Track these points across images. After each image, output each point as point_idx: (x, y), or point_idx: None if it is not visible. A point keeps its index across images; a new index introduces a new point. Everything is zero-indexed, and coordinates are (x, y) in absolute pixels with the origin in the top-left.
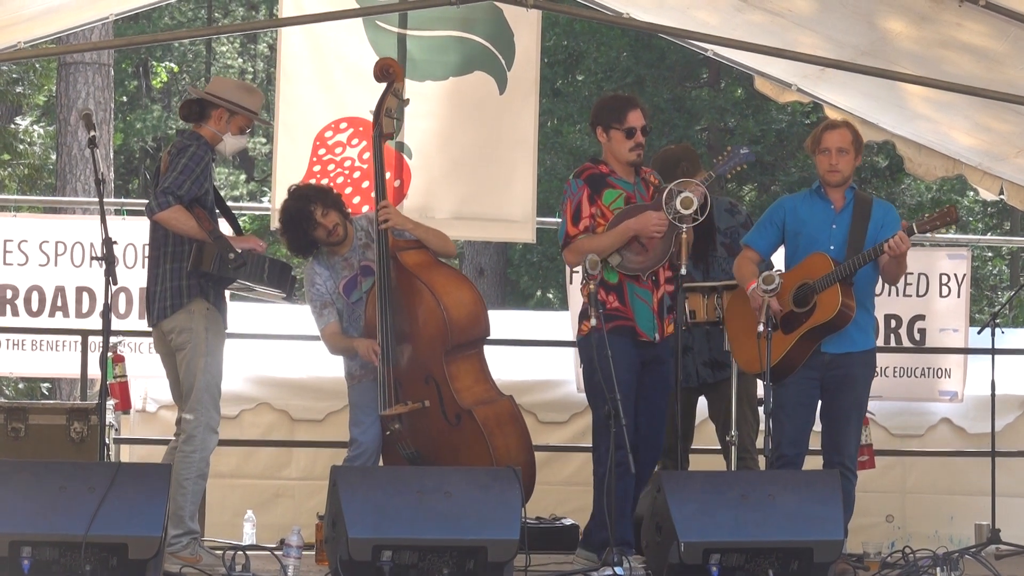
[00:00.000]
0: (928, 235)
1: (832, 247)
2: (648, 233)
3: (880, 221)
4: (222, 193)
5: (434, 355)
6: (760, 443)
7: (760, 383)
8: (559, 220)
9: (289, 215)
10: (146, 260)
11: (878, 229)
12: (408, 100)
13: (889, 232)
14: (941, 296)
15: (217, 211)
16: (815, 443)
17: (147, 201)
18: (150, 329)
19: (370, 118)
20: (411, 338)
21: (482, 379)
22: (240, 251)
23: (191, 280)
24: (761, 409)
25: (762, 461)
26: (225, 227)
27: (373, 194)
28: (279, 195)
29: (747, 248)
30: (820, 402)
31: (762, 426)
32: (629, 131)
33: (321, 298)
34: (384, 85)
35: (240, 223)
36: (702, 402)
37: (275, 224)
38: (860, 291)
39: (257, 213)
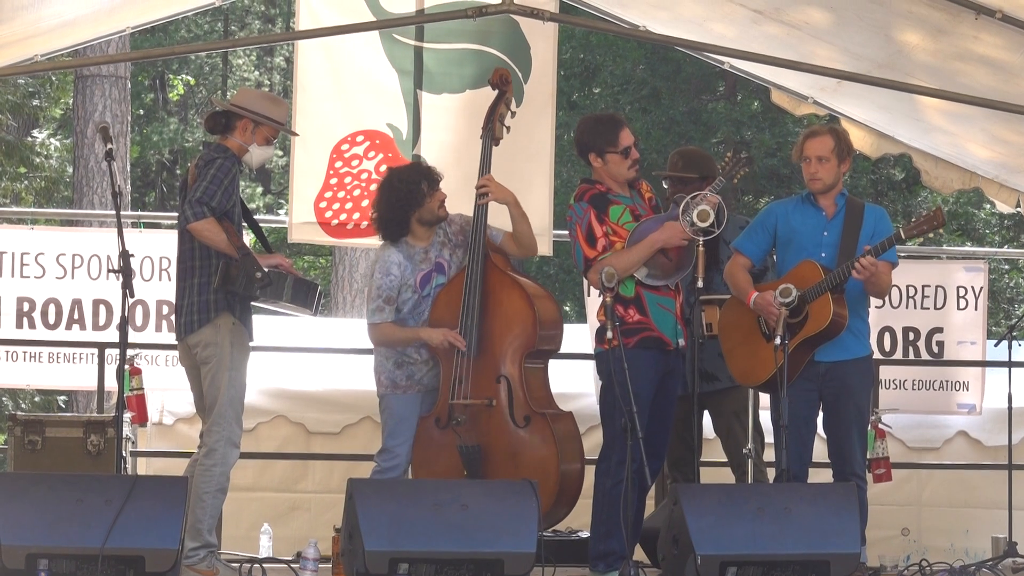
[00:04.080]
0: (917, 239)
1: (823, 254)
2: (675, 243)
3: (872, 227)
4: None
5: (513, 356)
6: (767, 457)
7: (762, 396)
8: (570, 243)
9: (398, 193)
10: (163, 273)
11: (870, 236)
12: (515, 112)
13: (881, 238)
14: (958, 309)
15: (244, 224)
16: (823, 456)
17: (175, 214)
18: (167, 342)
19: (387, 131)
20: (491, 335)
21: (548, 391)
22: (267, 269)
23: (218, 295)
24: (765, 422)
25: (771, 474)
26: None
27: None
28: (296, 209)
29: (737, 254)
30: (821, 414)
31: (768, 439)
32: (625, 151)
33: (390, 289)
34: (497, 93)
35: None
36: (707, 416)
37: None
38: (853, 298)
39: (273, 226)
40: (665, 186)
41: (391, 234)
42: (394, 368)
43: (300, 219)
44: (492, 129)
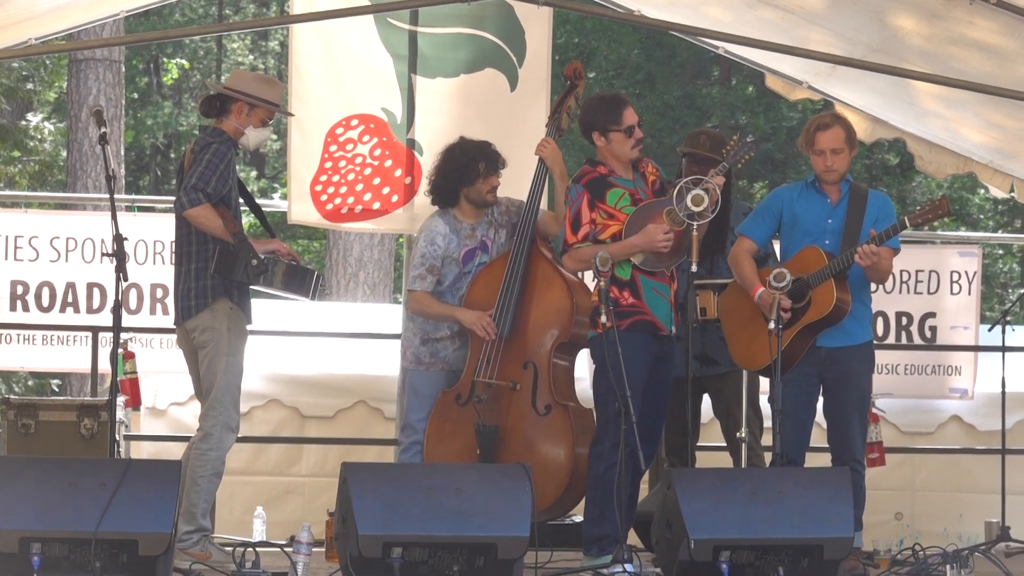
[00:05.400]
0: (922, 228)
1: (827, 241)
2: (655, 249)
3: (875, 214)
4: None
5: (544, 344)
6: (766, 441)
7: (762, 380)
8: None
9: (454, 164)
10: (157, 256)
11: (873, 222)
12: (580, 106)
13: (884, 225)
14: (952, 294)
15: (245, 207)
16: (820, 440)
17: (169, 198)
18: (160, 325)
19: (382, 115)
20: (526, 320)
21: (572, 386)
22: (263, 256)
23: (215, 280)
24: (764, 406)
25: (768, 458)
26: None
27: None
28: (294, 192)
29: (743, 238)
30: (822, 399)
31: (767, 423)
32: (629, 130)
33: (433, 258)
34: (568, 85)
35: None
36: (707, 399)
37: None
38: (856, 284)
39: (267, 210)
40: (684, 163)
41: (440, 200)
42: (420, 344)
43: (297, 202)
44: (558, 120)
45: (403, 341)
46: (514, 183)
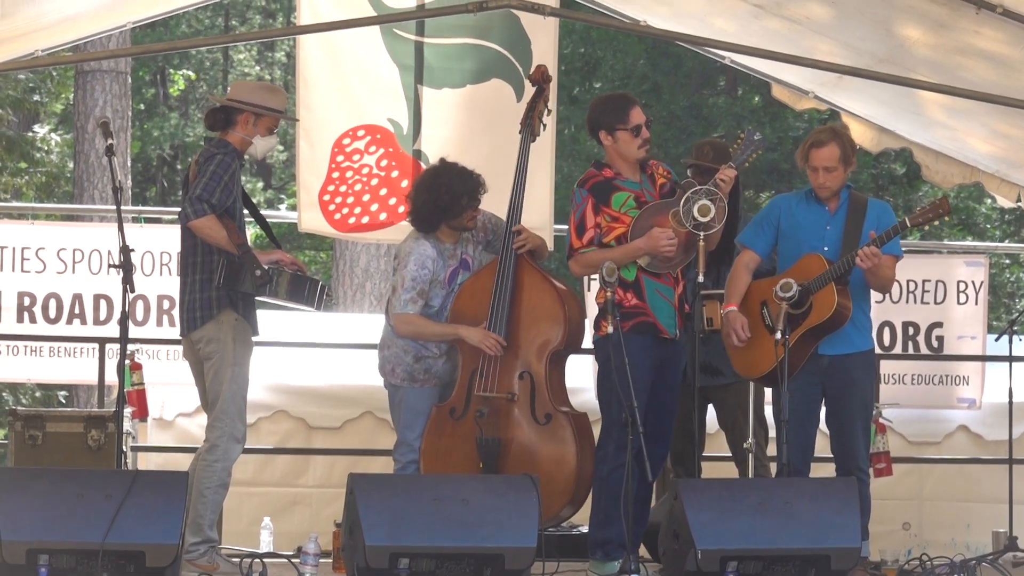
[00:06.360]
0: (923, 228)
1: (826, 248)
2: (658, 253)
3: (875, 222)
4: None
5: (540, 353)
6: (771, 451)
7: (767, 390)
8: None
9: (438, 200)
10: (163, 268)
11: (872, 230)
12: (551, 110)
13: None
14: (959, 303)
15: (251, 219)
16: (826, 450)
17: (176, 209)
18: (167, 337)
19: (388, 126)
20: (519, 331)
21: (565, 390)
22: (267, 267)
23: (220, 291)
24: (769, 416)
25: (774, 468)
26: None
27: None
28: (303, 201)
29: (744, 249)
30: (824, 408)
31: (772, 433)
32: (635, 129)
33: (423, 282)
34: (536, 89)
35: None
36: (711, 409)
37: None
38: (856, 291)
39: (274, 220)
40: (688, 174)
41: (422, 228)
42: (413, 362)
43: (307, 211)
44: (531, 125)
45: (388, 359)
46: None
